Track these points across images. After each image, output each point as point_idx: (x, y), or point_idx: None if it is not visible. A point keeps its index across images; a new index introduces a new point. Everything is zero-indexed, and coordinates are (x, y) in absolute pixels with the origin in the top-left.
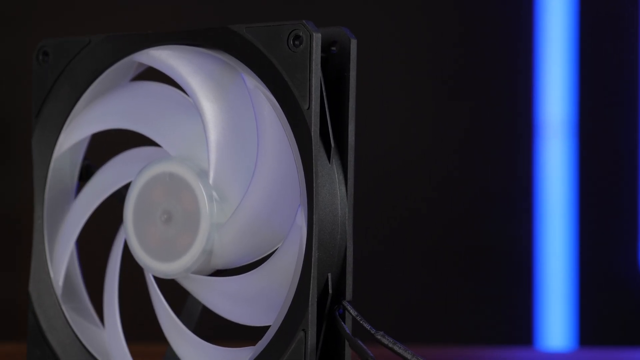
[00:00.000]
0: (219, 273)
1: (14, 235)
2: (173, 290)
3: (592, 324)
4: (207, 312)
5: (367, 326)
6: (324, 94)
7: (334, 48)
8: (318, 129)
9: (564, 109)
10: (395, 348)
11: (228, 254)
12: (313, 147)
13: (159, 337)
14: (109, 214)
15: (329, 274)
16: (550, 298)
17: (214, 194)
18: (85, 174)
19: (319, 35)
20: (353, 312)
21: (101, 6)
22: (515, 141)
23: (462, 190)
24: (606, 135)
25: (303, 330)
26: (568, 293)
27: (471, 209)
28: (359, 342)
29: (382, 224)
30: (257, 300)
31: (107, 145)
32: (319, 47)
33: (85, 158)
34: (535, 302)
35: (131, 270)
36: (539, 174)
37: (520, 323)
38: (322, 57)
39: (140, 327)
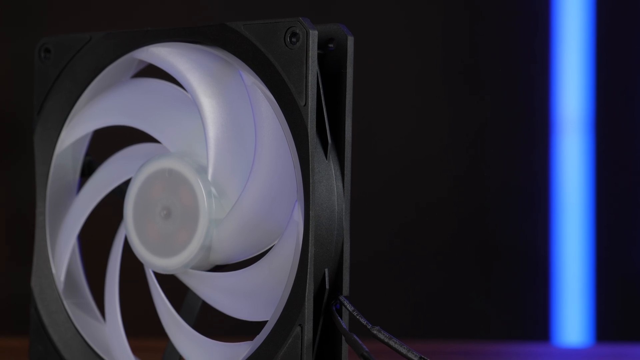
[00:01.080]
0: (218, 268)
1: (29, 232)
2: (174, 286)
3: (608, 319)
4: (206, 308)
5: (364, 321)
6: (321, 90)
7: (331, 45)
8: (314, 125)
9: (580, 105)
10: (391, 343)
11: (226, 249)
12: (309, 144)
13: (161, 332)
14: (113, 210)
15: (326, 270)
16: (567, 294)
17: (213, 190)
18: (88, 170)
19: (316, 32)
20: (349, 307)
21: (120, 4)
22: (531, 137)
23: (478, 187)
24: (623, 131)
25: (299, 325)
26: (584, 289)
27: (487, 205)
28: (355, 336)
29: (398, 220)
30: (255, 296)
31: (111, 141)
32: (316, 44)
33: (88, 154)
34: (552, 297)
35: (133, 265)
36: (556, 170)
37: (537, 319)
38: (319, 54)
39: (143, 323)
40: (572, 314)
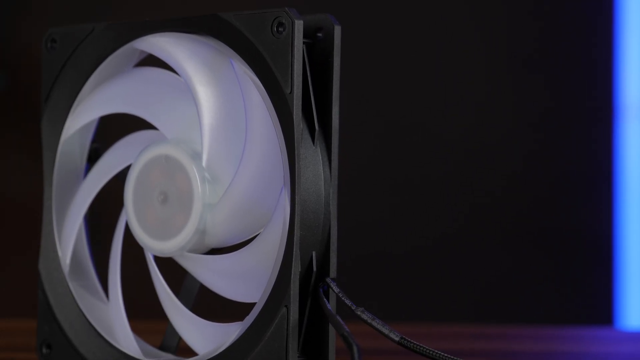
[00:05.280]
0: (214, 251)
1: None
2: (176, 270)
3: None
4: (204, 291)
5: (348, 302)
6: (309, 78)
7: (320, 34)
8: (300, 112)
9: None
10: (374, 323)
11: (220, 233)
12: (295, 130)
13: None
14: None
15: (313, 252)
16: (630, 278)
17: (207, 175)
18: (94, 157)
19: (301, 22)
20: (335, 289)
21: None
22: (594, 124)
23: (541, 173)
24: None
25: (285, 306)
26: None
27: (551, 190)
28: (338, 317)
29: (464, 206)
30: (248, 278)
31: (122, 128)
32: (301, 34)
33: (94, 141)
34: (615, 282)
35: (139, 250)
36: (618, 156)
37: (600, 303)
38: (309, 43)
39: (151, 306)
40: (635, 299)
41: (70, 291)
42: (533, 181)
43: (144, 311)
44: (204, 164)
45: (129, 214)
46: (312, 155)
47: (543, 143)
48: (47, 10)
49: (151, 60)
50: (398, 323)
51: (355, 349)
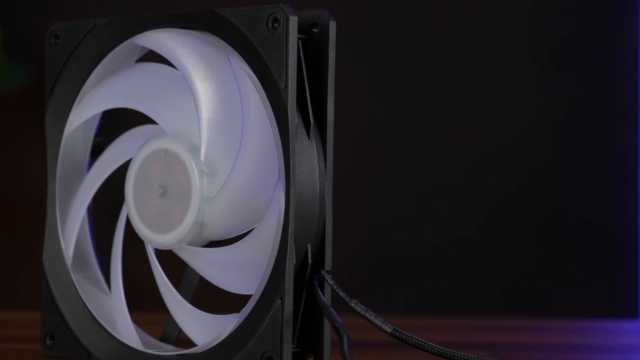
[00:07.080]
0: (213, 244)
1: None
2: (176, 262)
3: None
4: (204, 284)
5: (342, 294)
6: (305, 73)
7: (315, 30)
8: (294, 107)
9: None
10: (367, 315)
11: (218, 226)
12: (289, 124)
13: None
14: None
15: (309, 245)
16: None
17: (205, 169)
18: (97, 151)
19: (296, 18)
20: (330, 282)
21: None
22: (621, 115)
23: (567, 165)
24: None
25: (280, 298)
26: None
27: (576, 183)
28: (331, 309)
29: (490, 199)
30: (244, 270)
31: (125, 123)
32: (295, 30)
33: (98, 135)
34: None
35: (140, 243)
36: None
37: (626, 296)
38: (304, 39)
39: (152, 298)
40: None
41: (73, 283)
42: (559, 174)
43: (145, 303)
44: (202, 157)
45: (130, 207)
46: (307, 149)
47: (568, 136)
48: (78, 4)
49: (152, 56)
50: (411, 316)
51: (345, 339)
